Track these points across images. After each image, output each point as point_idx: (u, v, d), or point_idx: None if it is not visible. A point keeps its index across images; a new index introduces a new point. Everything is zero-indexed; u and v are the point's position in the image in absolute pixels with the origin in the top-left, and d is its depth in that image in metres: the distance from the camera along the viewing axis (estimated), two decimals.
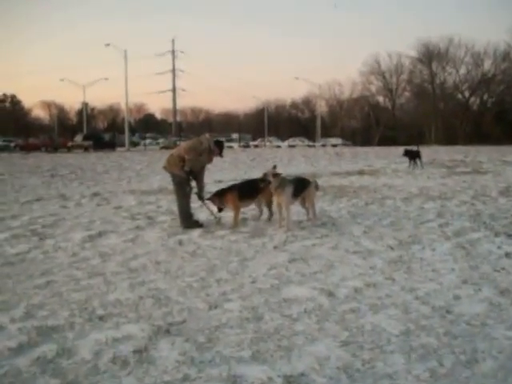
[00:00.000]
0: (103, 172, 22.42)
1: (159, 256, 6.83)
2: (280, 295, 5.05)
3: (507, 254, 6.47)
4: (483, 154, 31.38)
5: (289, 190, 8.24)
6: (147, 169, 23.04)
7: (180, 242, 7.65)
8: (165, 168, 9.12)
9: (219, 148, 9.05)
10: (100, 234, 8.32)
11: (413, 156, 22.12)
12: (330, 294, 5.03)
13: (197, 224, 8.84)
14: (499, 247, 6.86)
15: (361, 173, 20.14)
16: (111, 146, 56.15)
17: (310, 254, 6.71)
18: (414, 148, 22.94)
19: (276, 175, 8.27)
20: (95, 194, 14.08)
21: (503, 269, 5.83)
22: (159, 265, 6.38)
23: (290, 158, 32.88)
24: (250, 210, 9.72)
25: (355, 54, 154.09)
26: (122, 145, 60.41)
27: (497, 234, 7.66)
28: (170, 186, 9.94)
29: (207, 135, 9.15)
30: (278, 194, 8.25)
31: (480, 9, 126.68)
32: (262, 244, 7.39)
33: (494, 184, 14.67)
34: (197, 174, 8.98)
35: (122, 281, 5.70)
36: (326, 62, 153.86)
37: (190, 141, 9.39)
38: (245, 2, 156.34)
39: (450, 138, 72.51)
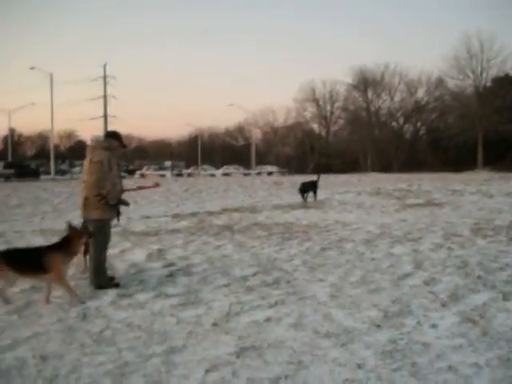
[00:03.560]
0: (16, 206, 19.69)
1: (49, 343, 4.74)
2: None
3: None
4: (426, 183, 30.03)
5: None
6: (67, 202, 20.45)
7: (84, 316, 5.55)
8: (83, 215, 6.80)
9: (117, 140, 6.87)
10: None
11: (308, 188, 20.60)
12: None
13: (111, 283, 6.77)
14: None
15: (305, 206, 18.35)
16: (35, 174, 52.65)
17: (264, 337, 4.72)
18: (314, 178, 21.78)
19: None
20: None
21: None
22: (44, 362, 4.29)
23: (225, 188, 30.70)
24: (184, 263, 7.71)
25: (290, 80, 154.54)
26: (50, 173, 57.54)
27: (505, 297, 5.86)
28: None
29: (90, 142, 7.04)
30: None
31: (414, 36, 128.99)
32: (195, 318, 5.36)
33: (460, 219, 13.04)
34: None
35: None
36: (261, 88, 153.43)
37: (88, 168, 6.65)
38: (177, 29, 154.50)
39: (384, 165, 72.52)
